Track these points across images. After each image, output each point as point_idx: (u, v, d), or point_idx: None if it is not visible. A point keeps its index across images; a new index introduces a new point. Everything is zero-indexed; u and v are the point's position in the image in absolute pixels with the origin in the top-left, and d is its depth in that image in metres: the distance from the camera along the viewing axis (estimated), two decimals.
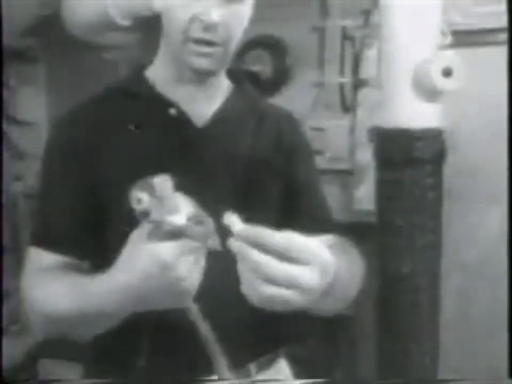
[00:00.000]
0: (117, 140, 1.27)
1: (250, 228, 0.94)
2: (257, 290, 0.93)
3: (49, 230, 1.28)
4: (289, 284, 0.92)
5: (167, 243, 0.99)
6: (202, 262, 1.03)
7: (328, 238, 1.28)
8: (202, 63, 1.24)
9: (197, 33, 1.21)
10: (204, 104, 1.32)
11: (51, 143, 1.31)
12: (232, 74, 1.40)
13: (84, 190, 1.26)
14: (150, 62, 1.36)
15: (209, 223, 1.02)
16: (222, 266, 1.01)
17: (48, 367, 2.84)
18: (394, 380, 2.07)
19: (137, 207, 1.00)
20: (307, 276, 0.93)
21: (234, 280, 1.00)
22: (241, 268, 0.94)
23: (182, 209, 1.01)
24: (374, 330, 2.35)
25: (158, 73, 1.33)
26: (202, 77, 1.29)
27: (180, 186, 1.09)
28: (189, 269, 1.00)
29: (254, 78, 2.94)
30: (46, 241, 1.27)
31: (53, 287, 1.18)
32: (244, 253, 0.93)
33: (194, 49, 1.23)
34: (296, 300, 0.94)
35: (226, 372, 1.11)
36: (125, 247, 1.05)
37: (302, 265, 0.93)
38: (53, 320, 1.18)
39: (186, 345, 1.19)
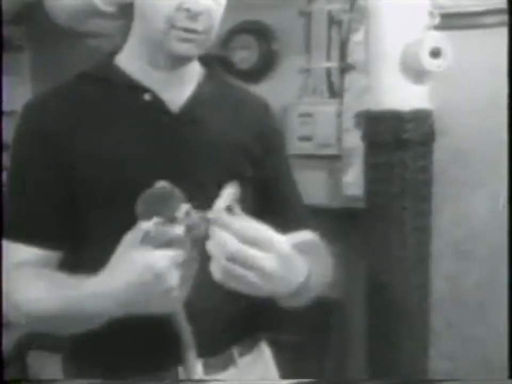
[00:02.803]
0: (89, 126, 1.25)
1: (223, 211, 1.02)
2: (220, 267, 0.98)
3: (22, 222, 1.25)
4: (249, 264, 0.98)
5: (161, 252, 1.02)
6: (194, 270, 1.05)
7: (301, 235, 1.34)
8: (185, 49, 1.24)
9: (182, 21, 1.21)
10: (177, 89, 1.31)
11: (20, 129, 1.28)
12: (204, 60, 1.38)
13: (56, 178, 1.23)
14: (120, 48, 1.34)
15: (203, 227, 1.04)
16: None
17: (37, 359, 2.82)
18: (386, 379, 2.07)
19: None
20: (266, 260, 0.99)
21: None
22: (210, 244, 1.00)
23: (181, 219, 1.03)
24: (364, 315, 2.35)
25: (130, 59, 1.31)
26: (180, 62, 1.28)
27: (158, 172, 1.11)
28: (181, 278, 1.03)
29: (226, 63, 2.92)
30: (19, 233, 1.24)
31: (36, 287, 1.16)
32: (213, 230, 1.00)
33: (178, 36, 1.22)
34: (256, 283, 0.99)
35: (194, 370, 1.17)
36: (117, 251, 1.06)
37: (262, 251, 0.99)
38: (35, 319, 1.18)
39: (158, 339, 1.20)
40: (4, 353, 2.66)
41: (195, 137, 1.29)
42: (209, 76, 1.38)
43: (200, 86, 1.34)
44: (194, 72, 1.36)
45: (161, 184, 1.06)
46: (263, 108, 1.47)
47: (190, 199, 1.06)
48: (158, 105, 1.28)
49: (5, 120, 2.99)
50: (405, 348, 2.21)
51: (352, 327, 2.83)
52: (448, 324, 2.58)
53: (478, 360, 2.50)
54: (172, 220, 1.03)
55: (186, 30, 1.21)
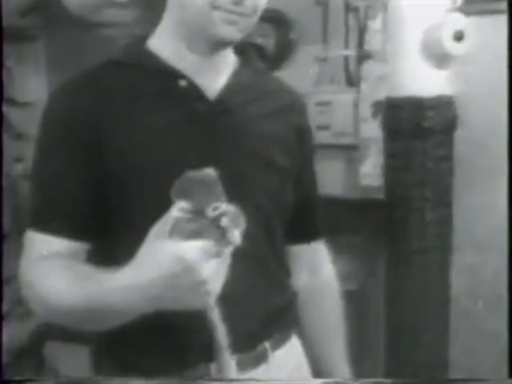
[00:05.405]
0: (120, 112, 1.20)
1: None
2: None
3: (48, 211, 1.21)
4: None
5: (191, 243, 0.97)
6: (226, 263, 1.01)
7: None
8: (229, 31, 1.18)
9: (226, 4, 1.15)
10: (213, 76, 1.26)
11: (48, 113, 1.23)
12: (238, 47, 1.33)
13: (86, 167, 1.19)
14: (151, 33, 1.29)
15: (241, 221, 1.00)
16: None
17: (54, 349, 2.82)
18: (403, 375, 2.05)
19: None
20: None
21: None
22: None
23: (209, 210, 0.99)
24: (383, 307, 2.32)
25: (164, 44, 1.26)
26: (221, 46, 1.24)
27: (191, 161, 1.07)
28: (213, 271, 0.99)
29: (260, 51, 2.89)
30: (45, 223, 1.20)
31: (62, 279, 1.12)
32: None
33: (222, 17, 1.16)
34: None
35: (228, 370, 1.11)
36: (145, 243, 1.02)
37: None
38: (60, 313, 1.14)
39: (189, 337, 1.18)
40: (20, 343, 2.66)
41: (231, 126, 1.25)
42: (245, 64, 1.34)
43: (236, 74, 1.29)
44: (230, 59, 1.31)
45: (206, 170, 1.00)
46: (299, 100, 1.43)
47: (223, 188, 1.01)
48: (193, 92, 1.23)
49: (20, 111, 2.98)
50: (424, 341, 2.19)
51: (369, 319, 2.80)
52: (466, 316, 2.54)
53: (495, 353, 2.47)
54: (201, 210, 0.98)
55: (230, 12, 1.16)
